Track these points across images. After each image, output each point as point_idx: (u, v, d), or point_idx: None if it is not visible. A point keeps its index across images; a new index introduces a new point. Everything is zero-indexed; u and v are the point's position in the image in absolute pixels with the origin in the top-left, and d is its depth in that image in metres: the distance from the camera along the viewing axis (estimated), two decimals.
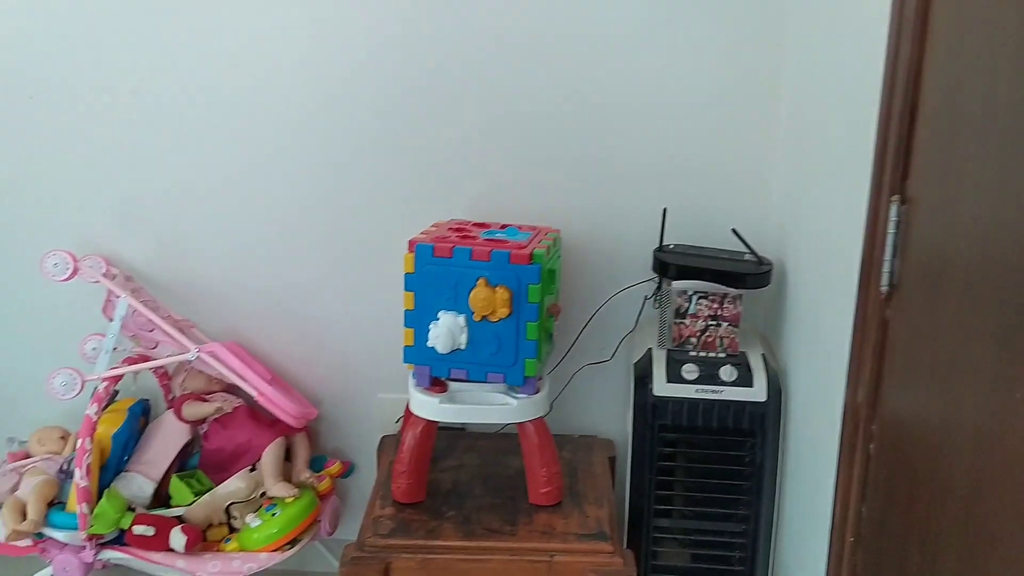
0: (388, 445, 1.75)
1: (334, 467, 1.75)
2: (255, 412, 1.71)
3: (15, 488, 1.62)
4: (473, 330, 1.44)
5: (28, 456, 1.71)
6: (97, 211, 1.77)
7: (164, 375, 1.81)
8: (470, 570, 1.40)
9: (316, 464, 1.76)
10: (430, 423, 1.50)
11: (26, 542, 1.55)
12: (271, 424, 1.68)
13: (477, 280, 1.41)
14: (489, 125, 1.68)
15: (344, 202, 1.74)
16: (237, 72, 1.69)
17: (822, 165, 1.39)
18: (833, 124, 1.34)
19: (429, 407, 1.48)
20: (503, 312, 1.42)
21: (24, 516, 1.55)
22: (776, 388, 1.51)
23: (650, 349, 1.57)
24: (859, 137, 1.18)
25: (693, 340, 1.57)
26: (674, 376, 1.52)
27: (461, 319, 1.43)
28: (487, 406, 1.48)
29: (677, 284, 1.55)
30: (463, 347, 1.44)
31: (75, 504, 1.54)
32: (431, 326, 1.44)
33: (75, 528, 1.54)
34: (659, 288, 1.62)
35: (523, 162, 1.70)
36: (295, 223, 1.76)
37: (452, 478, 1.60)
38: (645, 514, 1.57)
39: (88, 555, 1.55)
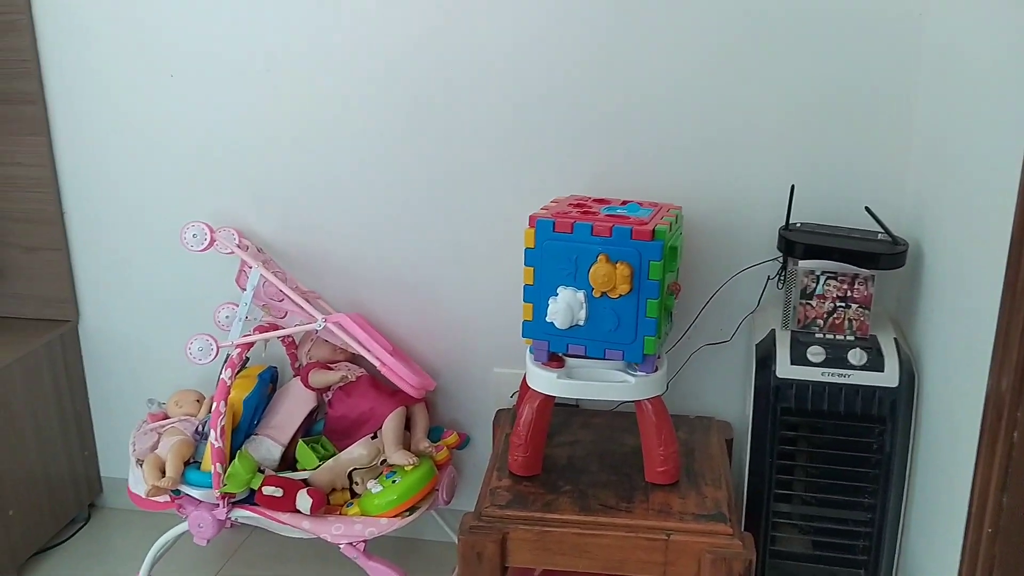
0: (504, 418, 1.77)
1: (451, 438, 1.78)
2: (377, 382, 1.75)
3: (155, 447, 1.72)
4: (592, 306, 1.43)
5: (167, 417, 1.81)
6: (231, 185, 1.85)
7: (291, 343, 1.88)
8: (586, 544, 1.40)
9: (433, 435, 1.80)
10: (547, 398, 1.50)
11: (164, 498, 1.64)
12: (392, 394, 1.72)
13: (597, 256, 1.40)
14: (611, 100, 1.66)
15: (465, 178, 1.76)
16: (363, 51, 1.72)
17: (967, 140, 1.32)
18: (981, 96, 1.27)
19: (546, 382, 1.48)
20: (623, 289, 1.40)
21: (163, 473, 1.64)
22: (909, 373, 1.44)
23: (773, 330, 1.53)
24: (1010, 110, 1.11)
25: (820, 322, 1.52)
26: (798, 358, 1.47)
27: (580, 295, 1.43)
28: (605, 383, 1.47)
29: (804, 264, 1.50)
30: (582, 323, 1.44)
31: (210, 464, 1.62)
32: (550, 301, 1.44)
33: (209, 486, 1.62)
34: (784, 268, 1.58)
35: (645, 137, 1.67)
36: (417, 198, 1.79)
37: (567, 453, 1.61)
38: (764, 498, 1.53)
39: (221, 513, 1.63)
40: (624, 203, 1.55)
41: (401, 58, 1.71)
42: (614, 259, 1.40)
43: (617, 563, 1.41)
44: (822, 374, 1.46)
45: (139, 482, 1.67)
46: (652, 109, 1.66)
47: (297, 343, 1.88)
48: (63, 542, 2.02)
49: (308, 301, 1.74)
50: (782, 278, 1.59)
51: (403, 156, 1.77)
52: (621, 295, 1.41)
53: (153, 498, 1.63)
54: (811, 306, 1.51)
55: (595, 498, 1.46)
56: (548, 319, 1.44)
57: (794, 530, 1.59)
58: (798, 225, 1.58)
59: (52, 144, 1.89)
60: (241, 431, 1.72)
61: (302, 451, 1.69)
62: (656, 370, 1.47)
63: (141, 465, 1.68)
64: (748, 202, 1.66)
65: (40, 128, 1.87)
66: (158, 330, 1.99)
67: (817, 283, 1.50)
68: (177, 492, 1.65)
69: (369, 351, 1.68)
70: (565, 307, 1.43)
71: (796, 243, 1.51)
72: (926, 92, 1.53)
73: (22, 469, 1.86)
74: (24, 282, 1.97)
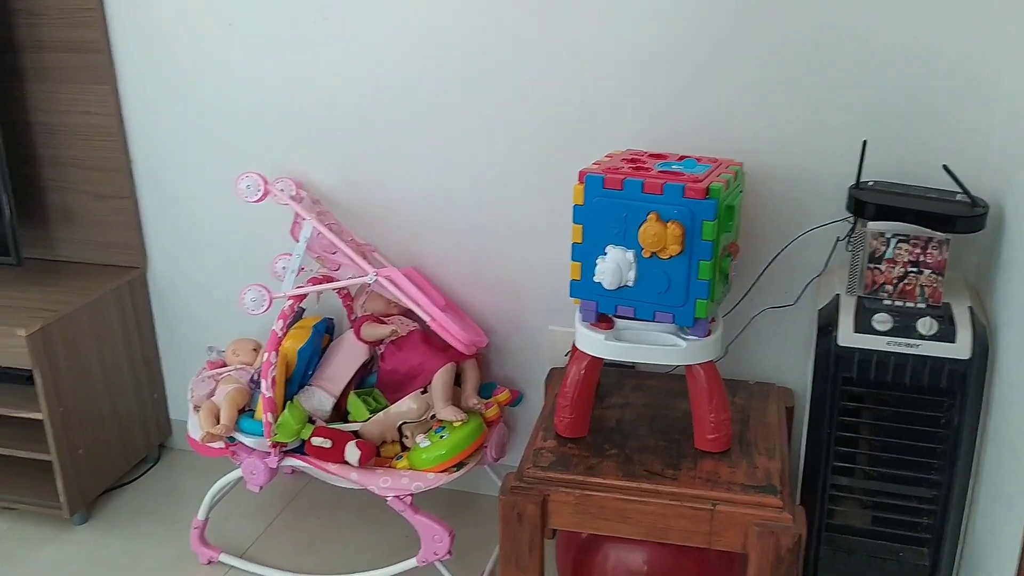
0: (556, 377, 1.73)
1: (502, 395, 1.77)
2: (428, 336, 1.74)
3: (211, 394, 1.75)
4: (642, 267, 1.37)
5: (224, 365, 1.84)
6: (291, 135, 1.84)
7: (347, 296, 1.88)
8: (627, 511, 1.37)
9: (485, 391, 1.78)
10: (595, 359, 1.46)
11: (219, 444, 1.67)
12: (443, 349, 1.71)
13: (647, 215, 1.34)
14: (671, 48, 1.58)
15: (523, 131, 1.71)
16: (417, 3, 1.68)
17: None
18: None
19: (594, 343, 1.44)
20: (674, 249, 1.34)
21: (218, 420, 1.67)
22: (983, 345, 1.34)
23: (838, 295, 1.45)
24: None
25: (888, 287, 1.42)
26: (863, 326, 1.39)
27: (630, 255, 1.37)
28: (654, 346, 1.42)
29: (874, 225, 1.41)
30: (631, 284, 1.38)
31: (262, 412, 1.64)
32: (598, 261, 1.39)
33: (261, 435, 1.64)
34: (853, 229, 1.48)
35: (707, 88, 1.59)
36: (473, 151, 1.75)
37: (616, 416, 1.57)
38: (822, 470, 1.47)
39: (272, 461, 1.65)
40: (681, 159, 1.48)
41: (457, 6, 1.66)
42: (665, 218, 1.34)
43: (660, 531, 1.37)
44: (887, 343, 1.38)
45: (196, 427, 1.71)
46: (714, 58, 1.56)
47: (353, 296, 1.88)
48: (133, 481, 2.10)
49: (362, 254, 1.73)
50: (851, 240, 1.50)
51: (460, 109, 1.73)
52: (672, 256, 1.35)
53: (208, 444, 1.66)
54: (880, 271, 1.42)
55: (640, 464, 1.42)
56: (596, 279, 1.39)
57: (854, 504, 1.52)
58: (870, 183, 1.48)
59: (118, 93, 1.92)
60: (295, 381, 1.73)
61: (353, 403, 1.70)
62: (709, 334, 1.41)
63: (198, 411, 1.71)
64: (816, 158, 1.57)
65: (106, 77, 1.90)
66: (221, 278, 2.02)
67: (887, 246, 1.41)
68: (232, 439, 1.68)
69: (419, 306, 1.66)
70: (614, 267, 1.37)
71: (867, 203, 1.41)
72: (1017, 38, 1.40)
73: (92, 410, 1.93)
74: (95, 229, 2.02)
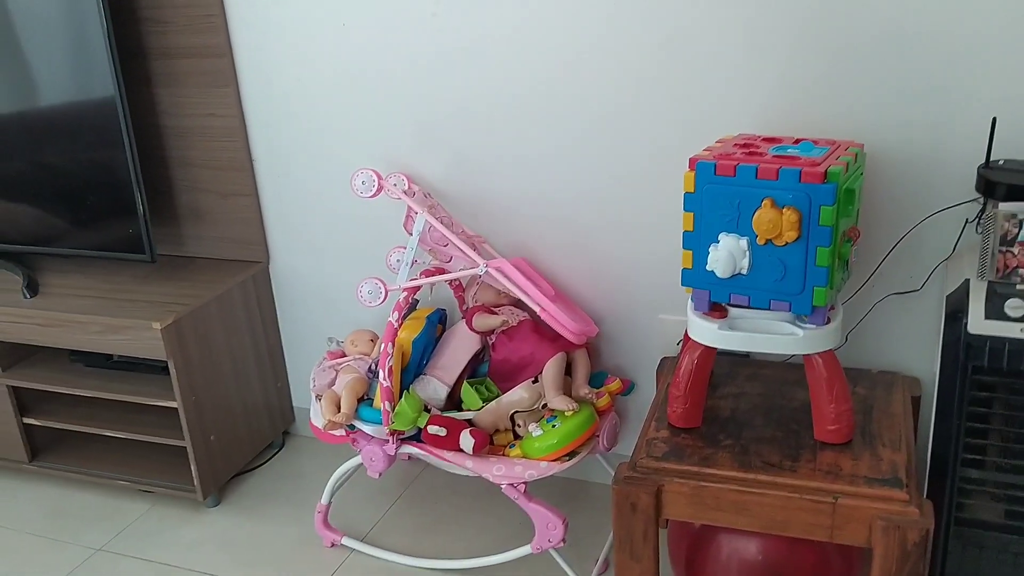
0: (668, 367, 1.72)
1: (613, 384, 1.76)
2: (538, 326, 1.75)
3: (332, 383, 1.81)
4: (756, 254, 1.34)
5: (344, 355, 1.90)
6: (399, 130, 1.89)
7: (459, 287, 1.91)
8: (745, 503, 1.35)
9: (596, 380, 1.78)
10: (708, 348, 1.44)
11: (339, 432, 1.73)
12: (553, 339, 1.72)
13: (762, 200, 1.31)
14: (784, 26, 1.53)
15: (631, 116, 1.70)
16: None
17: None
18: None
19: (707, 333, 1.42)
20: (790, 236, 1.31)
21: (339, 409, 1.73)
22: None
23: (967, 280, 1.38)
24: None
25: (1022, 271, 1.35)
26: (995, 312, 1.32)
27: (743, 242, 1.34)
28: (770, 335, 1.39)
29: (1005, 207, 1.33)
30: (745, 272, 1.36)
31: (380, 401, 1.69)
32: (711, 248, 1.37)
33: (380, 423, 1.69)
34: (983, 210, 1.41)
35: (822, 66, 1.53)
36: (581, 140, 1.75)
37: (731, 406, 1.54)
38: (950, 462, 1.41)
39: (391, 448, 1.70)
40: (797, 142, 1.43)
41: (556, 3, 1.66)
42: (780, 204, 1.30)
43: (779, 524, 1.34)
44: (1021, 330, 1.30)
45: (318, 415, 1.77)
46: (829, 33, 1.51)
47: (464, 287, 1.91)
48: (260, 466, 2.20)
49: (473, 246, 1.76)
50: (980, 222, 1.42)
51: (565, 96, 1.73)
52: (788, 243, 1.31)
53: (330, 431, 1.72)
54: (1012, 254, 1.35)
55: (757, 455, 1.40)
56: (708, 267, 1.37)
57: (984, 497, 1.45)
58: (1000, 163, 1.40)
59: (240, 95, 2.00)
60: (410, 371, 1.78)
61: (466, 392, 1.73)
62: (828, 322, 1.37)
63: (320, 400, 1.78)
64: (942, 137, 1.50)
65: (229, 80, 1.98)
66: (338, 271, 2.09)
67: (1020, 228, 1.33)
68: (352, 427, 1.74)
69: (529, 296, 1.68)
70: (727, 255, 1.35)
71: (997, 183, 1.34)
72: None
73: (222, 398, 2.03)
74: (221, 226, 2.12)
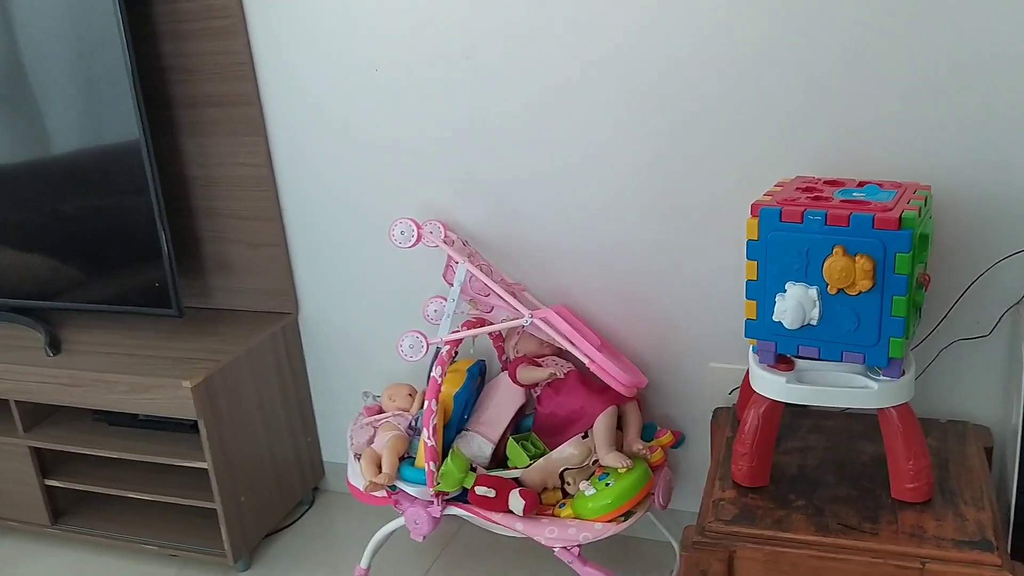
0: (722, 417, 1.65)
1: (665, 437, 1.69)
2: (586, 378, 1.68)
3: (371, 441, 1.74)
4: (827, 304, 1.28)
5: (381, 410, 1.83)
6: (437, 177, 1.83)
7: (498, 337, 1.84)
8: (824, 569, 1.27)
9: (646, 432, 1.70)
10: (775, 403, 1.37)
11: (381, 493, 1.66)
12: (603, 391, 1.65)
13: (833, 248, 1.25)
14: (837, 59, 1.48)
15: (675, 159, 1.64)
16: (568, 34, 1.63)
17: None
18: None
19: (775, 386, 1.35)
20: (864, 285, 1.24)
21: (379, 469, 1.65)
22: None
23: None
24: None
25: None
26: None
27: (813, 291, 1.28)
28: (842, 388, 1.32)
29: None
30: (815, 323, 1.29)
31: (423, 460, 1.61)
32: (777, 298, 1.31)
33: (423, 483, 1.61)
34: None
35: (882, 104, 1.48)
36: (625, 184, 1.69)
37: (797, 462, 1.47)
38: None
39: (436, 510, 1.62)
40: (861, 184, 1.38)
41: (607, 39, 1.61)
42: (852, 251, 1.24)
43: None
44: None
45: (357, 475, 1.70)
46: (887, 68, 1.45)
47: (504, 337, 1.84)
48: (290, 524, 2.12)
49: (514, 294, 1.69)
50: None
51: (610, 139, 1.68)
52: (861, 292, 1.25)
53: (371, 493, 1.65)
54: None
55: (833, 516, 1.32)
56: (775, 318, 1.31)
57: None
58: None
59: (269, 144, 1.95)
60: (452, 426, 1.70)
61: (513, 449, 1.65)
62: (903, 374, 1.30)
63: (359, 459, 1.70)
64: (1011, 177, 1.43)
65: (258, 129, 1.93)
66: (370, 322, 2.02)
67: None
68: (393, 488, 1.66)
69: (578, 348, 1.61)
70: (795, 305, 1.29)
71: None
72: None
73: (252, 456, 1.96)
74: (249, 277, 2.06)
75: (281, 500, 2.07)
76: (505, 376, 1.76)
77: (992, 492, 1.36)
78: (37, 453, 2.02)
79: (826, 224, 1.25)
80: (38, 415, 2.04)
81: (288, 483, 2.09)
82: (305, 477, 2.16)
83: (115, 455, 1.93)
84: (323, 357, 2.11)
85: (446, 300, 1.76)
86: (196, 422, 1.84)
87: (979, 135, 1.44)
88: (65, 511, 2.10)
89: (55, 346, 1.99)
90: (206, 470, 1.87)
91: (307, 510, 2.17)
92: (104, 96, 1.82)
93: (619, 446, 1.63)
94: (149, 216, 1.87)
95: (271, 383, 2.01)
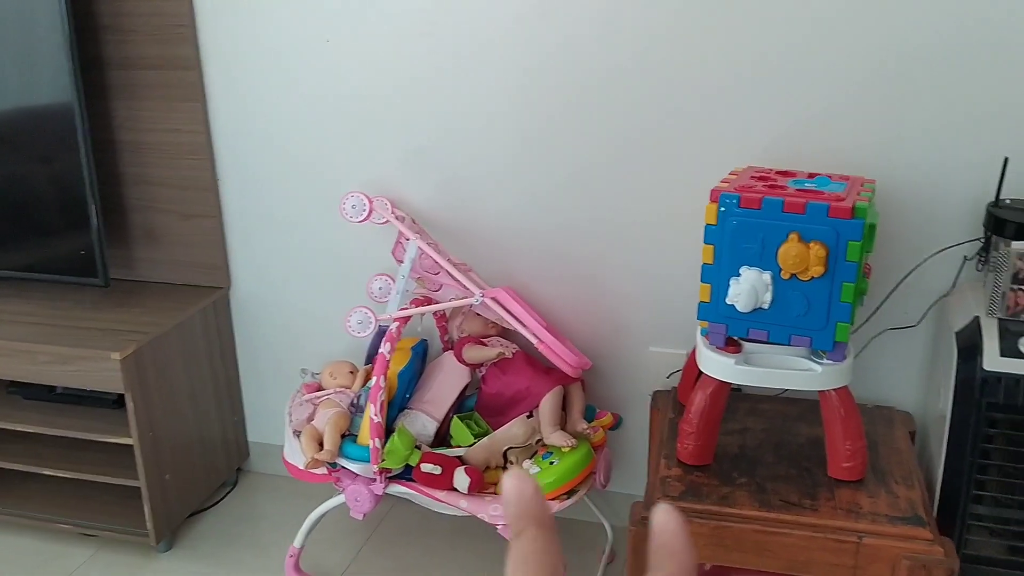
0: (663, 400, 1.69)
1: (606, 418, 1.72)
2: (532, 359, 1.70)
3: (311, 418, 1.71)
4: (779, 289, 1.33)
5: (320, 388, 1.79)
6: (385, 153, 1.81)
7: (442, 317, 1.84)
8: (767, 542, 1.32)
9: (587, 414, 1.73)
10: (722, 384, 1.41)
11: (322, 470, 1.63)
12: (548, 372, 1.66)
13: (788, 234, 1.30)
14: (790, 56, 1.54)
15: (623, 148, 1.67)
16: (529, 15, 1.64)
17: None
18: None
19: (723, 368, 1.39)
20: (816, 271, 1.29)
21: (320, 446, 1.63)
22: None
23: (976, 317, 1.40)
24: None
25: None
26: (1009, 350, 1.34)
27: (766, 276, 1.32)
28: (788, 371, 1.37)
29: (1017, 245, 1.36)
30: (766, 307, 1.34)
31: (367, 437, 1.59)
32: (731, 282, 1.35)
33: (367, 460, 1.59)
34: (987, 248, 1.43)
35: (828, 100, 1.54)
36: (575, 170, 1.71)
37: (738, 442, 1.52)
38: (961, 499, 1.41)
39: (378, 488, 1.61)
40: (812, 176, 1.43)
41: (564, 23, 1.62)
42: (807, 238, 1.29)
43: (801, 564, 1.32)
44: None
45: (296, 453, 1.66)
46: (839, 69, 1.52)
47: (448, 316, 1.84)
48: (213, 505, 2.06)
49: (462, 273, 1.69)
50: (983, 259, 1.45)
51: (560, 125, 1.69)
52: (813, 277, 1.30)
53: (311, 470, 1.62)
54: (1023, 292, 1.37)
55: (775, 493, 1.37)
56: (729, 301, 1.35)
57: (985, 533, 1.47)
58: (1007, 201, 1.43)
59: (207, 110, 1.88)
60: (395, 405, 1.69)
61: (457, 428, 1.65)
62: (844, 358, 1.36)
63: (298, 436, 1.67)
64: (948, 175, 1.52)
65: (196, 94, 1.86)
66: (307, 298, 1.98)
67: None
68: (334, 465, 1.64)
69: (527, 327, 1.62)
70: (749, 289, 1.33)
71: (1007, 222, 1.37)
72: None
73: (179, 434, 1.89)
74: (179, 248, 1.99)
75: (205, 480, 2.01)
76: (449, 355, 1.75)
77: (919, 473, 1.43)
78: None
79: (783, 211, 1.30)
80: None
81: (213, 463, 2.03)
82: (230, 457, 2.10)
83: (34, 430, 1.83)
84: (254, 334, 2.06)
85: (391, 277, 1.74)
86: (119, 396, 1.77)
87: (919, 135, 1.52)
88: None
89: None
90: (130, 447, 1.80)
91: (231, 490, 2.11)
92: (37, 55, 1.73)
93: (563, 426, 1.65)
94: (78, 182, 1.78)
95: (199, 359, 1.95)
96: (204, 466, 1.99)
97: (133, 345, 1.74)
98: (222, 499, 2.08)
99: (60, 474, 1.86)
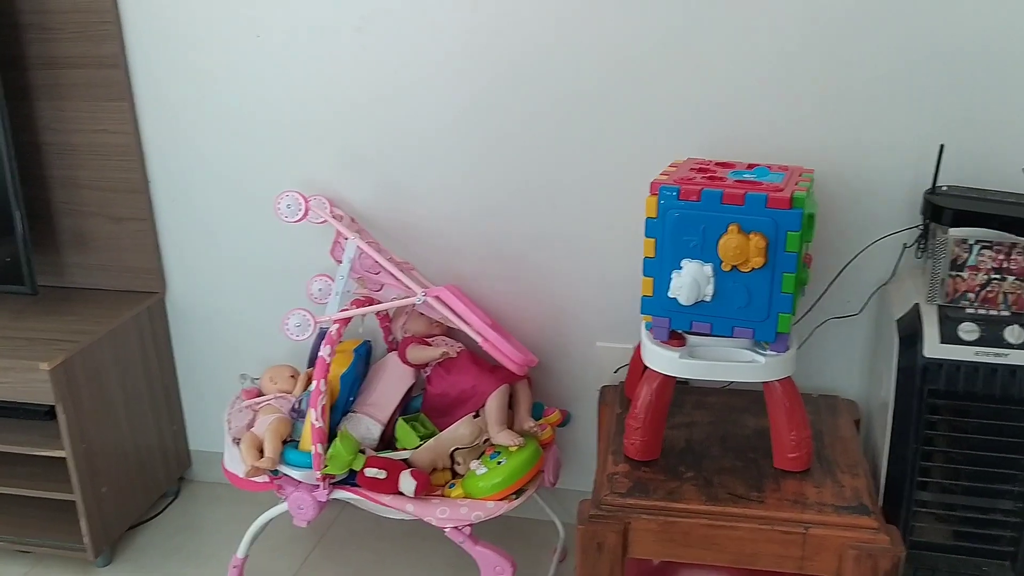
0: (610, 396, 1.67)
1: (553, 416, 1.70)
2: (477, 358, 1.67)
3: (250, 425, 1.66)
4: (720, 281, 1.31)
5: (260, 394, 1.75)
6: (320, 152, 1.76)
7: (385, 317, 1.80)
8: (714, 536, 1.31)
9: (534, 411, 1.71)
10: (667, 378, 1.40)
11: (263, 478, 1.58)
12: (493, 370, 1.64)
13: (728, 226, 1.29)
14: (727, 47, 1.53)
15: (564, 142, 1.65)
16: (460, 7, 1.61)
17: None
18: None
19: (668, 362, 1.38)
20: (757, 262, 1.29)
21: (260, 453, 1.58)
22: None
23: (917, 304, 1.40)
24: None
25: (971, 295, 1.38)
26: (949, 336, 1.34)
27: (708, 268, 1.31)
28: (731, 363, 1.37)
29: (956, 232, 1.36)
30: (708, 299, 1.32)
31: (308, 443, 1.55)
32: (673, 275, 1.33)
33: (309, 467, 1.55)
34: (925, 236, 1.44)
35: (764, 91, 1.54)
36: (513, 164, 1.69)
37: (684, 436, 1.51)
38: (906, 486, 1.42)
39: (322, 494, 1.57)
40: (751, 167, 1.43)
41: (496, 13, 1.60)
42: (747, 229, 1.28)
43: (749, 557, 1.31)
44: (975, 354, 1.33)
45: (236, 461, 1.61)
46: (772, 57, 1.52)
47: (391, 316, 1.80)
48: (154, 516, 2.00)
49: (404, 273, 1.66)
50: (922, 246, 1.46)
51: (499, 119, 1.67)
52: (753, 269, 1.29)
53: (252, 478, 1.57)
54: (962, 278, 1.38)
55: (722, 486, 1.36)
56: (671, 295, 1.33)
57: (932, 519, 1.48)
58: (943, 188, 1.44)
59: (135, 110, 1.82)
60: (338, 409, 1.65)
61: (402, 430, 1.62)
62: (787, 349, 1.36)
63: (238, 444, 1.62)
64: (883, 163, 1.52)
65: (122, 93, 1.80)
66: (246, 302, 1.93)
67: (970, 253, 1.36)
68: (275, 472, 1.59)
69: (471, 326, 1.59)
70: (691, 282, 1.32)
71: (944, 208, 1.37)
72: None
73: (115, 445, 1.83)
74: (110, 253, 1.92)
75: (144, 491, 1.95)
76: (393, 357, 1.72)
77: (864, 461, 1.44)
78: None
79: (722, 203, 1.28)
80: None
81: (152, 473, 1.97)
82: (170, 467, 2.04)
83: None
84: (191, 340, 2.00)
85: (331, 278, 1.70)
86: (50, 408, 1.70)
87: (856, 123, 1.52)
88: None
89: None
90: (63, 459, 1.73)
91: (172, 501, 2.05)
92: None
93: (510, 425, 1.63)
94: (1, 186, 1.71)
95: (135, 367, 1.89)
96: (143, 477, 1.93)
97: (63, 355, 1.67)
98: (164, 510, 2.02)
99: None
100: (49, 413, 1.73)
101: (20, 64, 1.80)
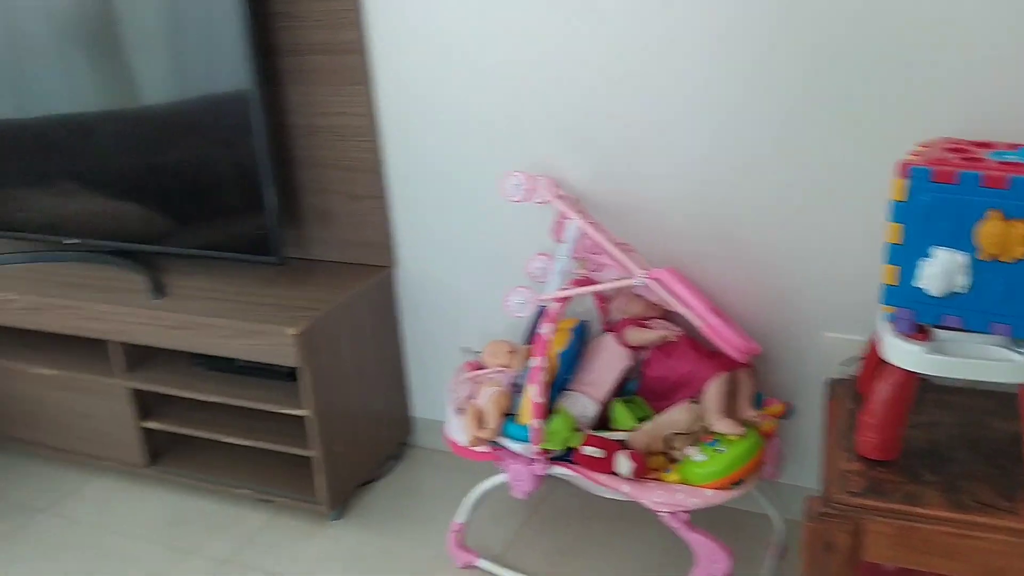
0: (840, 390, 1.58)
1: (776, 407, 1.64)
2: (697, 343, 1.64)
3: (472, 396, 1.72)
4: (977, 271, 1.21)
5: (481, 366, 1.81)
6: (545, 133, 1.79)
7: (603, 298, 1.80)
8: (958, 546, 1.21)
9: (755, 402, 1.65)
10: (910, 374, 1.31)
11: (484, 448, 1.64)
12: (713, 356, 1.60)
13: (987, 212, 1.18)
14: (996, 19, 1.40)
15: (801, 124, 1.57)
16: None
17: None
18: None
19: (911, 357, 1.28)
20: (1020, 252, 1.17)
21: (482, 424, 1.64)
22: None
23: None
24: None
25: None
26: None
27: (962, 257, 1.21)
28: (984, 361, 1.25)
29: None
30: (962, 290, 1.22)
31: (527, 417, 1.59)
32: (923, 264, 1.24)
33: (527, 440, 1.59)
34: None
35: None
36: (745, 146, 1.63)
37: (927, 437, 1.40)
38: None
39: (539, 468, 1.60)
40: (1015, 147, 1.30)
41: None
42: (1010, 216, 1.17)
43: (996, 571, 1.21)
44: None
45: (459, 430, 1.68)
46: None
47: (609, 297, 1.80)
48: (379, 478, 2.12)
49: (624, 254, 1.65)
50: None
51: (728, 98, 1.61)
52: (1017, 259, 1.18)
53: (474, 448, 1.63)
54: None
55: (969, 493, 1.26)
56: (920, 285, 1.24)
57: None
58: None
59: (375, 94, 1.92)
60: (555, 386, 1.67)
61: (619, 411, 1.62)
62: None
63: (461, 413, 1.69)
64: None
65: (360, 78, 1.91)
66: (467, 279, 1.99)
67: None
68: (495, 444, 1.64)
69: (692, 310, 1.56)
70: (942, 271, 1.22)
71: None
72: None
73: (346, 407, 1.96)
74: (348, 229, 2.05)
75: (372, 453, 2.08)
76: (610, 337, 1.72)
77: None
78: (136, 395, 2.04)
79: (982, 186, 1.18)
80: (136, 358, 2.06)
81: (378, 437, 2.09)
82: (394, 432, 2.16)
83: (216, 399, 1.95)
84: (417, 312, 2.10)
85: (551, 257, 1.72)
86: (294, 370, 1.85)
87: None
88: (161, 453, 2.13)
89: (160, 290, 2.00)
90: (303, 418, 1.88)
91: (396, 464, 2.17)
92: (213, 43, 1.81)
93: (731, 413, 1.59)
94: (255, 165, 1.87)
95: (366, 335, 2.00)
96: (371, 439, 2.06)
97: (306, 322, 1.81)
98: (388, 473, 2.14)
99: (239, 442, 1.97)
100: (290, 375, 1.88)
101: (272, 52, 1.95)
